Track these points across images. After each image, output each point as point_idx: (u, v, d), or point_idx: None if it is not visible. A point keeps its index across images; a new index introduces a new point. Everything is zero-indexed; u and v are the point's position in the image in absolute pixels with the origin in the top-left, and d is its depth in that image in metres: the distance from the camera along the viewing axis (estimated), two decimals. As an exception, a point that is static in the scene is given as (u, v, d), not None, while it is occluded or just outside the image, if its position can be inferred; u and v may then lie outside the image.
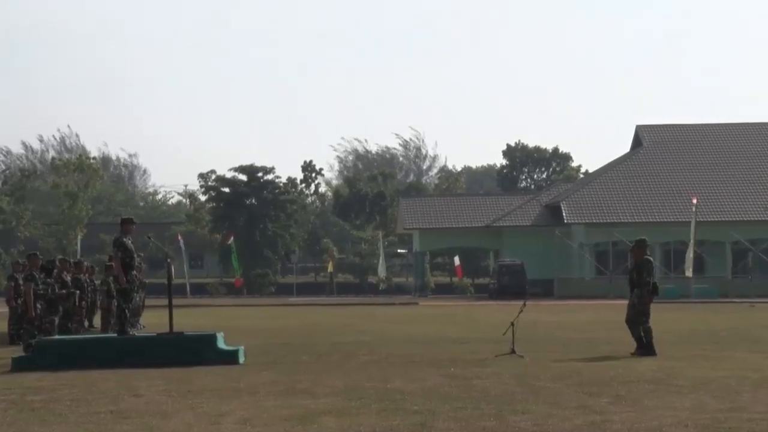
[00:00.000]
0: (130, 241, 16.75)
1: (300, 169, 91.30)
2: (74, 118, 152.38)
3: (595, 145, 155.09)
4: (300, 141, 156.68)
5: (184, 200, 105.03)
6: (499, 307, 39.10)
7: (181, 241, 65.34)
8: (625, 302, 17.81)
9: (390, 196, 79.72)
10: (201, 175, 77.73)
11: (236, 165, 76.41)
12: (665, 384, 12.76)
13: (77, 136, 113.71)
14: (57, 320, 19.31)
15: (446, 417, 10.17)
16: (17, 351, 18.05)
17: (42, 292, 18.84)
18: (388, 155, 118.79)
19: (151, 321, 25.00)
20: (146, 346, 16.16)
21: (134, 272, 17.18)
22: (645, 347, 16.86)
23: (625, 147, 73.16)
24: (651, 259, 17.58)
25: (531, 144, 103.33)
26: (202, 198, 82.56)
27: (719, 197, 59.93)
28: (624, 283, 19.44)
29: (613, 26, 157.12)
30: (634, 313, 17.25)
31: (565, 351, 17.92)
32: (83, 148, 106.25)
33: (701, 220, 54.01)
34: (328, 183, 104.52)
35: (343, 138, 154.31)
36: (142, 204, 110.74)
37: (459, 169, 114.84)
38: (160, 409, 11.01)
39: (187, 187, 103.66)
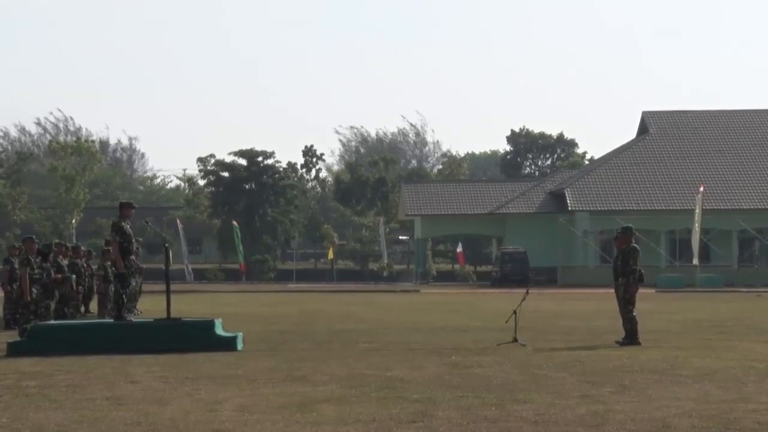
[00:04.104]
0: (128, 226, 16.61)
1: (301, 153, 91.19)
2: (73, 101, 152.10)
3: (601, 132, 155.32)
4: (301, 125, 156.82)
5: (182, 184, 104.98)
6: (502, 295, 39.06)
7: (180, 226, 65.28)
8: None
9: (392, 181, 79.63)
10: (200, 159, 77.60)
11: (236, 149, 76.43)
12: (669, 374, 12.66)
13: (72, 119, 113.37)
14: (53, 305, 19.22)
15: (447, 406, 10.08)
16: (12, 336, 17.97)
17: (38, 276, 18.72)
18: (387, 140, 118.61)
19: (149, 307, 24.90)
20: (143, 332, 16.04)
21: (132, 257, 17.03)
22: (628, 337, 16.67)
23: (630, 134, 73.08)
24: (637, 247, 17.35)
25: (535, 130, 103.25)
26: (201, 182, 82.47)
27: (726, 185, 59.75)
28: None
29: (620, 11, 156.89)
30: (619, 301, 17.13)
31: (568, 340, 17.82)
32: (87, 130, 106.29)
33: (707, 208, 53.84)
34: (328, 168, 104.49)
35: (340, 125, 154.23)
36: (141, 188, 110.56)
37: (462, 154, 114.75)
38: (156, 395, 10.93)
39: (186, 172, 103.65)
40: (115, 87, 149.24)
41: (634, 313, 16.82)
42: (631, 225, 18.03)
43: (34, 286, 18.63)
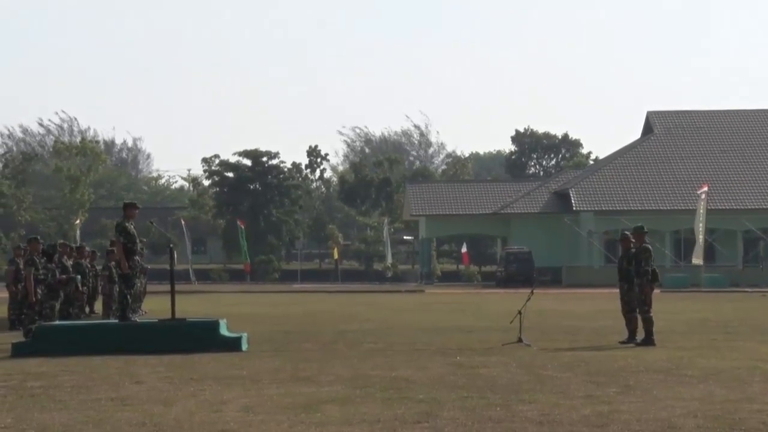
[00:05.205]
0: (132, 226, 16.60)
1: (305, 154, 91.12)
2: (77, 101, 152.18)
3: (606, 132, 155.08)
4: (305, 126, 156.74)
5: (187, 185, 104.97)
6: (507, 295, 39.03)
7: (184, 226, 65.29)
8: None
9: (396, 182, 79.57)
10: (204, 160, 77.54)
11: (240, 149, 76.42)
12: (674, 374, 12.65)
13: (76, 119, 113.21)
14: (58, 305, 19.20)
15: (452, 406, 10.07)
16: (17, 336, 17.97)
17: (43, 277, 18.70)
18: (391, 141, 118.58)
19: (153, 307, 24.90)
20: (148, 333, 16.04)
21: (136, 257, 17.03)
22: (644, 337, 16.68)
23: (635, 133, 72.95)
24: (649, 247, 17.30)
25: (540, 130, 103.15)
26: (206, 183, 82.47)
27: (731, 185, 59.61)
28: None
29: (624, 11, 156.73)
30: (628, 302, 17.10)
31: (573, 340, 17.81)
32: (94, 131, 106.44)
33: (712, 207, 53.76)
34: (333, 168, 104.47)
35: (344, 126, 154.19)
36: (145, 189, 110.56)
37: (467, 155, 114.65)
38: (161, 396, 10.94)
39: (191, 172, 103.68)
40: (120, 87, 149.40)
41: (651, 314, 16.80)
42: (642, 224, 17.92)
43: (39, 287, 18.62)
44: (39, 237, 20.66)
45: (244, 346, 16.06)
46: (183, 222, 67.60)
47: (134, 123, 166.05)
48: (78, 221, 67.60)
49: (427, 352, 15.50)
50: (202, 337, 15.84)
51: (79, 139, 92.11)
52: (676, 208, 57.69)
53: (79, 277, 21.60)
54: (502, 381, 11.99)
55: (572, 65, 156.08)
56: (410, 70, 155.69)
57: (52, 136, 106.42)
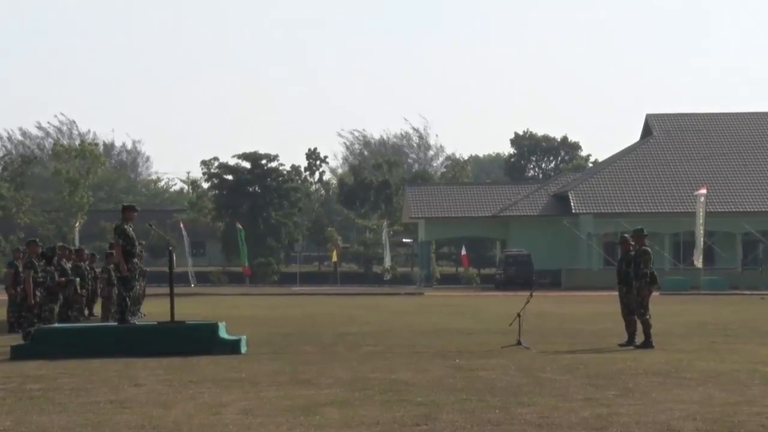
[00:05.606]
0: (131, 229, 16.61)
1: (304, 156, 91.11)
2: (77, 104, 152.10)
3: (605, 134, 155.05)
4: (304, 128, 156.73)
5: (186, 187, 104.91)
6: (506, 297, 39.04)
7: (183, 229, 65.33)
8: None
9: (395, 184, 79.60)
10: (204, 162, 77.52)
11: (239, 152, 76.38)
12: (673, 377, 12.65)
13: (74, 122, 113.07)
14: (57, 308, 19.20)
15: (451, 409, 10.07)
16: (16, 339, 17.98)
17: (41, 279, 18.70)
18: (391, 143, 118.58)
19: (152, 310, 24.89)
20: (147, 335, 16.05)
21: (135, 260, 17.04)
22: (643, 340, 16.70)
23: (634, 136, 72.92)
24: (648, 249, 17.31)
25: (539, 132, 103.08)
26: (205, 185, 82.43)
27: (730, 187, 59.66)
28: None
29: (623, 14, 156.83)
30: (627, 305, 17.12)
31: (572, 343, 17.81)
32: (94, 134, 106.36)
33: (712, 210, 53.79)
34: (332, 171, 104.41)
35: (343, 129, 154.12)
36: (144, 191, 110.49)
37: (466, 157, 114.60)
38: (160, 398, 10.94)
39: (190, 175, 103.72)
40: (119, 89, 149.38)
41: (648, 316, 16.80)
42: (641, 227, 17.93)
43: (38, 290, 18.62)
44: (38, 239, 20.63)
45: (243, 349, 16.05)
46: (182, 225, 67.62)
47: (133, 125, 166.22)
48: (77, 224, 67.57)
49: (427, 355, 15.51)
50: (201, 340, 15.84)
51: (78, 141, 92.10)
52: (675, 210, 57.72)
53: (78, 279, 21.59)
54: (501, 384, 11.99)
55: (572, 66, 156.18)
56: (410, 70, 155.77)
57: (51, 139, 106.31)
